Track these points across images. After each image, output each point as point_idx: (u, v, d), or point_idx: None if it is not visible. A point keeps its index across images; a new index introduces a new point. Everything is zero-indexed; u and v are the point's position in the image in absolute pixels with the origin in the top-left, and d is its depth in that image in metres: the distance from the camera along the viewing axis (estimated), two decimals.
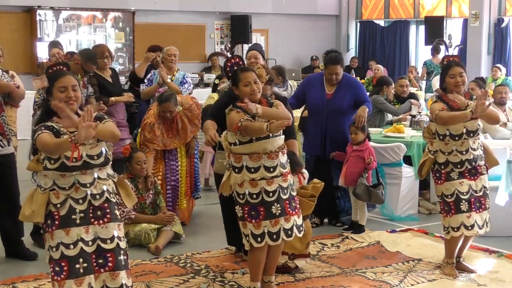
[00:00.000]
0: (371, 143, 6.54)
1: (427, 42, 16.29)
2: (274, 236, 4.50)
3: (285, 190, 4.54)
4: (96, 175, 3.82)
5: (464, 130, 5.07)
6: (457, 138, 5.09)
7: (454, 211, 5.12)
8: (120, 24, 15.15)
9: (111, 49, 8.07)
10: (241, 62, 4.76)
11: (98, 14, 14.87)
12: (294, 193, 4.64)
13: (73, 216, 3.78)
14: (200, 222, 6.86)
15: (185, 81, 7.36)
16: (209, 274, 5.22)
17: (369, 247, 5.97)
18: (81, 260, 3.75)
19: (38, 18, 13.95)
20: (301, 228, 4.62)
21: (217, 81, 8.25)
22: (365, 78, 14.47)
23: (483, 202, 5.17)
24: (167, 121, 6.48)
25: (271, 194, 4.48)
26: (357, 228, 6.37)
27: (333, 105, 6.45)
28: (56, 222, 3.78)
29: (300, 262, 5.25)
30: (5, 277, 5.14)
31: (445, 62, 5.30)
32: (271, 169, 4.48)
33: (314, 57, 17.26)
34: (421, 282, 5.10)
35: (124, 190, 4.02)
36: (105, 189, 3.85)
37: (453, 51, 14.50)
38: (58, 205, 3.78)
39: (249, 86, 4.53)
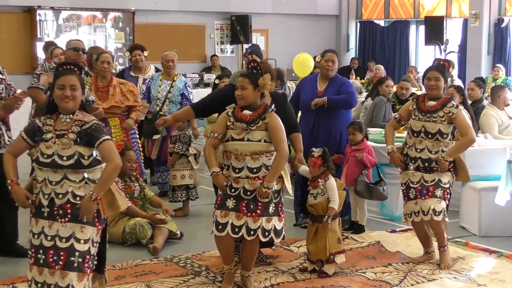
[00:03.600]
0: (371, 143, 6.54)
1: (427, 42, 16.29)
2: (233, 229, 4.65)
3: (248, 192, 4.66)
4: (65, 176, 3.90)
5: (422, 129, 5.30)
6: (415, 135, 5.35)
7: (407, 199, 5.42)
8: (120, 24, 15.14)
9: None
10: (258, 67, 4.85)
11: (98, 14, 14.86)
12: (261, 199, 4.66)
13: (42, 209, 3.94)
14: (200, 222, 6.85)
15: (187, 92, 7.72)
16: (209, 275, 5.22)
17: (369, 247, 5.97)
18: (41, 251, 3.91)
19: (38, 18, 13.93)
20: (266, 233, 4.67)
21: (217, 81, 8.26)
22: (365, 78, 14.47)
23: (431, 189, 5.31)
24: (101, 86, 6.73)
25: (233, 190, 4.69)
26: (357, 228, 6.37)
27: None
28: (33, 211, 3.98)
29: (340, 258, 5.22)
30: (5, 277, 5.14)
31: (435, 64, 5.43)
32: (237, 170, 4.67)
33: (314, 57, 17.19)
34: (421, 282, 5.11)
35: (108, 197, 4.01)
36: (69, 190, 3.90)
37: (446, 56, 14.43)
38: (35, 196, 3.97)
39: (236, 90, 4.81)
